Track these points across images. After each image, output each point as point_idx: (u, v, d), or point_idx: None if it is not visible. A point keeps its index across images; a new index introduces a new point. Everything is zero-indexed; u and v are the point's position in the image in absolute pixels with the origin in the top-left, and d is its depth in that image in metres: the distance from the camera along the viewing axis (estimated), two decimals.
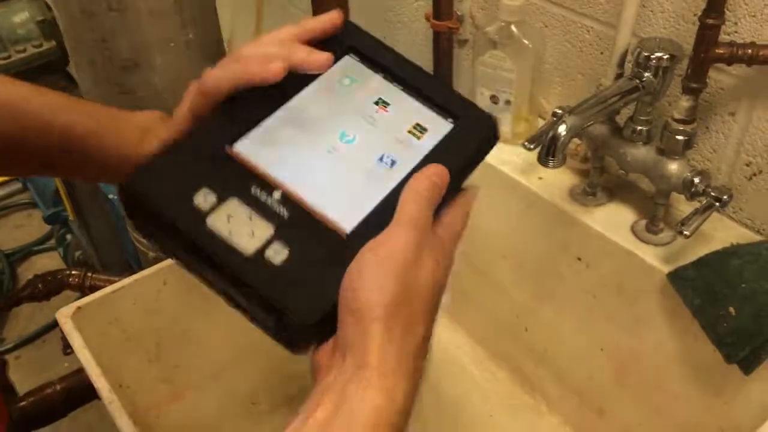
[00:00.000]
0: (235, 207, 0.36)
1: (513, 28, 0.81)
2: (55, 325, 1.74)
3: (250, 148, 0.39)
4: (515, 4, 0.79)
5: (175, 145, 0.39)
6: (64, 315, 0.69)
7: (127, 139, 0.46)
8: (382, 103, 0.43)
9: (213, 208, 0.36)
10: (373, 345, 0.33)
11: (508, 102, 0.84)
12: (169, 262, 0.75)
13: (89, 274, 1.02)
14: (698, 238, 0.70)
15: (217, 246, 0.35)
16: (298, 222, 0.36)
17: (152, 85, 0.80)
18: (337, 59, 0.44)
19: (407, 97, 0.44)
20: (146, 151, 0.44)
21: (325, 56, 0.42)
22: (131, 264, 1.24)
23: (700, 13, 0.63)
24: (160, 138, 0.44)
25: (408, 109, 0.43)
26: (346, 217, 0.37)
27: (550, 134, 0.63)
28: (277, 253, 0.35)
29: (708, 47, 0.62)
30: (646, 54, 0.65)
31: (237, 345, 0.84)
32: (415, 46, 1.03)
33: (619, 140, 0.72)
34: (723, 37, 0.63)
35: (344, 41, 0.45)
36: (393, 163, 0.40)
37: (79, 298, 0.71)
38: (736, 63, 0.62)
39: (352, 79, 0.44)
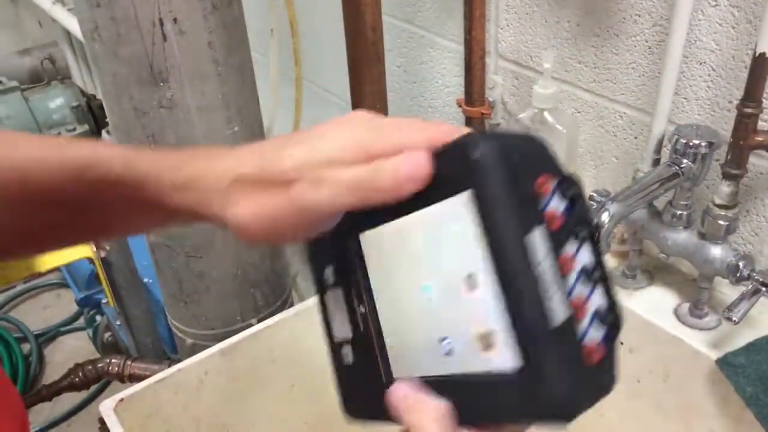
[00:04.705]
0: (338, 296, 0.39)
1: (546, 114, 0.82)
2: (80, 408, 1.73)
3: (374, 241, 0.38)
4: (547, 92, 0.81)
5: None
6: (108, 407, 0.69)
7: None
8: (471, 282, 0.32)
9: (330, 287, 0.40)
10: None
11: None
12: (210, 351, 0.75)
13: (128, 363, 1.02)
14: (745, 321, 0.68)
15: (324, 318, 0.40)
16: (366, 342, 0.38)
17: None
18: (455, 191, 0.32)
19: (498, 291, 0.31)
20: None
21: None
22: (165, 350, 1.24)
23: (734, 101, 0.64)
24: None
25: (490, 308, 0.31)
26: (394, 368, 0.37)
27: (593, 222, 0.63)
28: (347, 356, 0.39)
29: (747, 135, 0.63)
30: (684, 141, 0.66)
31: None
32: None
33: (659, 224, 0.72)
34: (761, 124, 0.64)
35: (471, 168, 0.32)
36: (450, 352, 0.33)
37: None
38: None
39: (459, 229, 0.32)
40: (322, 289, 0.40)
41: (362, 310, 0.38)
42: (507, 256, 0.30)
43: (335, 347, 0.39)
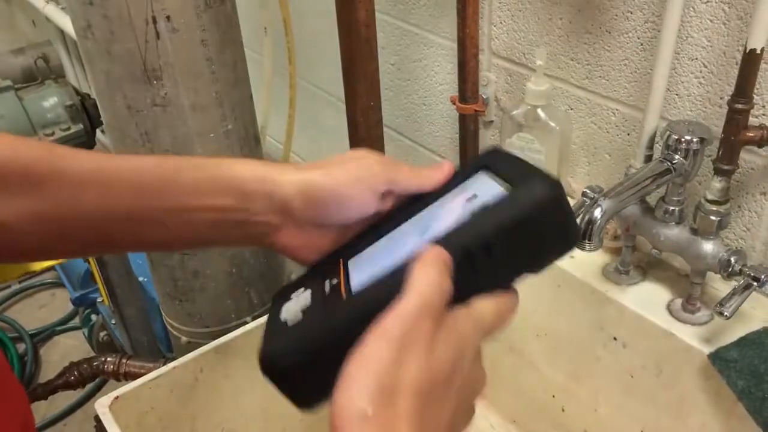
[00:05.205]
0: (304, 295, 0.40)
1: (539, 111, 0.83)
2: (76, 406, 1.73)
3: (355, 259, 0.42)
4: (541, 89, 0.82)
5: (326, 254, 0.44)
6: (103, 405, 0.69)
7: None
8: (471, 197, 0.40)
9: (295, 296, 0.41)
10: None
11: None
12: (205, 349, 0.76)
13: (124, 361, 1.02)
14: (736, 316, 0.69)
15: (274, 310, 0.41)
16: (329, 296, 0.38)
17: None
18: (468, 176, 0.43)
19: (492, 179, 0.40)
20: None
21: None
22: (160, 348, 1.24)
23: (726, 97, 0.64)
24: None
25: (483, 188, 0.40)
26: (359, 283, 0.37)
27: (586, 218, 0.63)
28: (294, 317, 0.38)
29: (738, 131, 0.63)
30: (676, 137, 0.67)
31: None
32: (440, 127, 1.06)
33: (651, 220, 0.73)
34: (752, 120, 0.64)
35: (482, 162, 0.43)
36: (427, 229, 0.38)
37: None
38: (767, 145, 0.63)
39: (467, 189, 0.42)
40: (282, 300, 0.41)
41: (335, 281, 0.39)
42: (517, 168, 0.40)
43: (278, 310, 0.40)
